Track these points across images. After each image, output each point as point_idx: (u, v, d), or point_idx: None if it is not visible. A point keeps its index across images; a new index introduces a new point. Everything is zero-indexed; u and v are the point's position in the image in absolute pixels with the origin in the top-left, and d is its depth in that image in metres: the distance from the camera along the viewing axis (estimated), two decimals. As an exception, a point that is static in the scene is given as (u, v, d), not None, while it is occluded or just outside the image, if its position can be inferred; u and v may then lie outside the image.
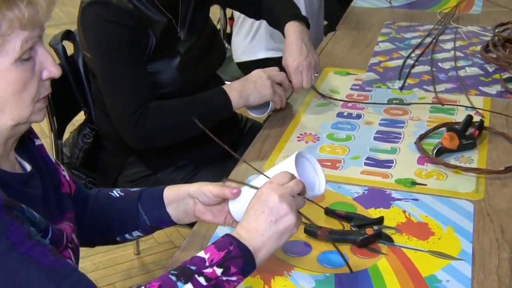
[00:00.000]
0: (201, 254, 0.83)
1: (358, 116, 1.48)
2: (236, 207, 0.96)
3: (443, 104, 1.50)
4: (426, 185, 1.19)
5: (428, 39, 1.91)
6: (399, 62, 1.75)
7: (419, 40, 1.88)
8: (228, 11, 2.62)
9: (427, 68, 1.71)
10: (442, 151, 1.29)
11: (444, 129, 1.35)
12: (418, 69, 1.71)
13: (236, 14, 2.22)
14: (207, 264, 0.82)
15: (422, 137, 1.35)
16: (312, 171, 0.95)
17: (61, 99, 1.54)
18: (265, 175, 0.90)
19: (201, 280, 0.80)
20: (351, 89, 1.62)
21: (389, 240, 1.04)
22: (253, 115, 1.46)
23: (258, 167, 1.28)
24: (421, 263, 0.99)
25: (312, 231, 1.05)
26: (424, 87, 1.61)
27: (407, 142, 1.35)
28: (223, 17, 2.59)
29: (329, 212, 1.11)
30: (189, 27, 1.47)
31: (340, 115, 1.49)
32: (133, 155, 1.50)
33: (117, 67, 1.34)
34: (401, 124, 1.43)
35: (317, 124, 1.45)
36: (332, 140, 1.38)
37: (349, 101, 1.54)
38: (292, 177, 0.88)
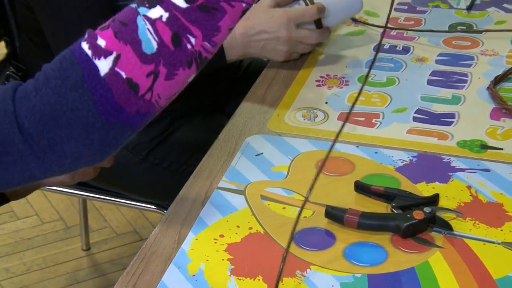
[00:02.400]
0: None
1: (406, 50, 1.49)
2: None
3: (530, 32, 1.52)
4: (502, 149, 1.22)
5: None
6: (468, -31, 1.76)
7: None
8: None
9: (508, -22, 1.72)
10: (526, 100, 1.31)
11: (531, 68, 1.37)
12: (495, -21, 1.72)
13: None
14: None
15: (498, 80, 1.37)
16: None
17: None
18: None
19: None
20: (396, 10, 1.63)
21: (446, 227, 1.07)
22: None
23: (260, 122, 1.31)
24: (492, 260, 1.02)
25: (336, 214, 1.08)
26: (505, 5, 1.62)
27: (476, 88, 1.37)
28: None
29: (361, 187, 1.14)
30: None
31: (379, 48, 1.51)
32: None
33: None
34: (468, 61, 1.45)
35: (346, 62, 1.47)
36: (367, 84, 1.40)
37: (392, 28, 1.56)
38: None
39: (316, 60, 1.47)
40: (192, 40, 0.81)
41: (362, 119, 1.30)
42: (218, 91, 1.60)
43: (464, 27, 1.55)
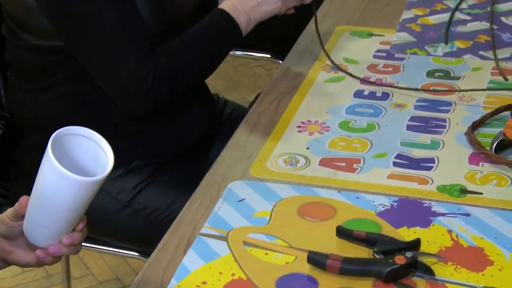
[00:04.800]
0: None
1: (385, 96, 1.50)
2: (29, 218, 1.00)
3: (506, 78, 1.53)
4: (481, 194, 1.23)
5: (486, -16, 1.93)
6: (445, 17, 1.78)
7: (473, -15, 1.91)
8: None
9: (484, 25, 1.74)
10: (504, 145, 1.31)
11: (508, 113, 1.38)
12: (471, 26, 1.74)
13: None
14: None
15: (476, 125, 1.38)
16: (88, 148, 0.99)
17: None
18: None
19: None
20: (374, 57, 1.64)
21: (428, 272, 1.07)
22: None
23: (243, 168, 1.31)
24: (474, 304, 1.02)
25: (318, 260, 1.08)
26: (480, 53, 1.64)
27: (454, 133, 1.38)
28: None
29: (343, 232, 1.14)
30: None
31: (358, 94, 1.51)
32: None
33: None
34: (446, 107, 1.46)
35: (326, 108, 1.47)
36: (347, 130, 1.41)
37: (371, 75, 1.57)
38: None
39: (297, 106, 1.48)
40: None
41: (343, 164, 1.31)
42: (201, 137, 1.60)
43: (442, 74, 1.56)
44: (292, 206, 1.21)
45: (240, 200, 1.22)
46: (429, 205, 1.20)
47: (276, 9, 1.49)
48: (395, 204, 1.21)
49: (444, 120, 1.42)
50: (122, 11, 1.39)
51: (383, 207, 1.20)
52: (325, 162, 1.31)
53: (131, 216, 1.51)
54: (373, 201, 1.21)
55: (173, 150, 1.55)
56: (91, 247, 1.65)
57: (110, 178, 1.52)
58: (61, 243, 1.02)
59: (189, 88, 1.51)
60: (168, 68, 1.41)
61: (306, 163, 1.32)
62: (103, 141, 1.00)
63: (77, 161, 0.99)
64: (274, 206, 1.21)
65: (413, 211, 1.19)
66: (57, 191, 0.96)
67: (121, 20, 1.38)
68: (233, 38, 1.50)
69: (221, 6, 1.49)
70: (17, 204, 1.02)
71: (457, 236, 1.14)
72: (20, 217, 1.03)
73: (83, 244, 1.64)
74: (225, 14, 1.47)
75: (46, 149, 0.95)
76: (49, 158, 0.94)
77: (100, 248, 1.67)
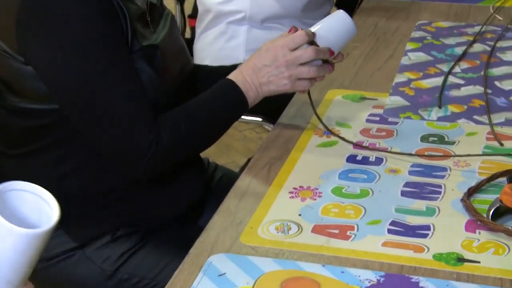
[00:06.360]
0: None
1: (379, 161, 1.49)
2: None
3: (502, 144, 1.53)
4: (479, 262, 1.20)
5: (480, 47, 1.94)
6: (438, 81, 1.78)
7: (466, 48, 1.92)
8: (188, 5, 2.66)
9: (478, 89, 1.74)
10: (501, 212, 1.30)
11: (504, 179, 1.37)
12: (465, 91, 1.74)
13: (203, 7, 2.26)
14: None
15: (472, 191, 1.37)
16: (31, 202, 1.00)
17: None
18: None
19: None
20: (367, 121, 1.63)
21: None
22: None
23: (233, 236, 1.28)
24: None
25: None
26: (475, 117, 1.63)
27: (450, 199, 1.36)
28: (179, 14, 2.61)
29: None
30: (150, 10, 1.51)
31: (352, 159, 1.50)
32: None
33: (108, 70, 1.35)
34: (441, 172, 1.45)
35: (319, 173, 1.46)
36: (340, 196, 1.39)
37: (364, 139, 1.56)
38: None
39: (289, 172, 1.46)
40: None
41: (337, 231, 1.28)
42: (191, 204, 1.58)
43: (436, 139, 1.56)
44: (274, 281, 1.16)
45: (221, 275, 1.19)
46: (417, 280, 1.17)
47: (285, 90, 1.49)
48: (382, 279, 1.17)
49: (439, 186, 1.40)
50: (128, 82, 1.38)
51: (369, 282, 1.16)
52: (318, 229, 1.29)
53: (117, 286, 1.48)
54: (359, 276, 1.18)
55: (161, 218, 1.53)
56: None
57: (96, 247, 1.51)
58: None
59: (190, 157, 1.50)
60: (170, 140, 1.40)
61: (298, 230, 1.29)
62: (47, 195, 1.00)
63: (21, 215, 0.98)
64: (256, 281, 1.17)
65: (400, 287, 1.15)
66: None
67: (127, 91, 1.38)
68: (239, 111, 1.50)
69: (231, 77, 1.48)
70: None
71: (451, 310, 1.11)
72: None
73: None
74: (234, 87, 1.47)
75: None
76: None
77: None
